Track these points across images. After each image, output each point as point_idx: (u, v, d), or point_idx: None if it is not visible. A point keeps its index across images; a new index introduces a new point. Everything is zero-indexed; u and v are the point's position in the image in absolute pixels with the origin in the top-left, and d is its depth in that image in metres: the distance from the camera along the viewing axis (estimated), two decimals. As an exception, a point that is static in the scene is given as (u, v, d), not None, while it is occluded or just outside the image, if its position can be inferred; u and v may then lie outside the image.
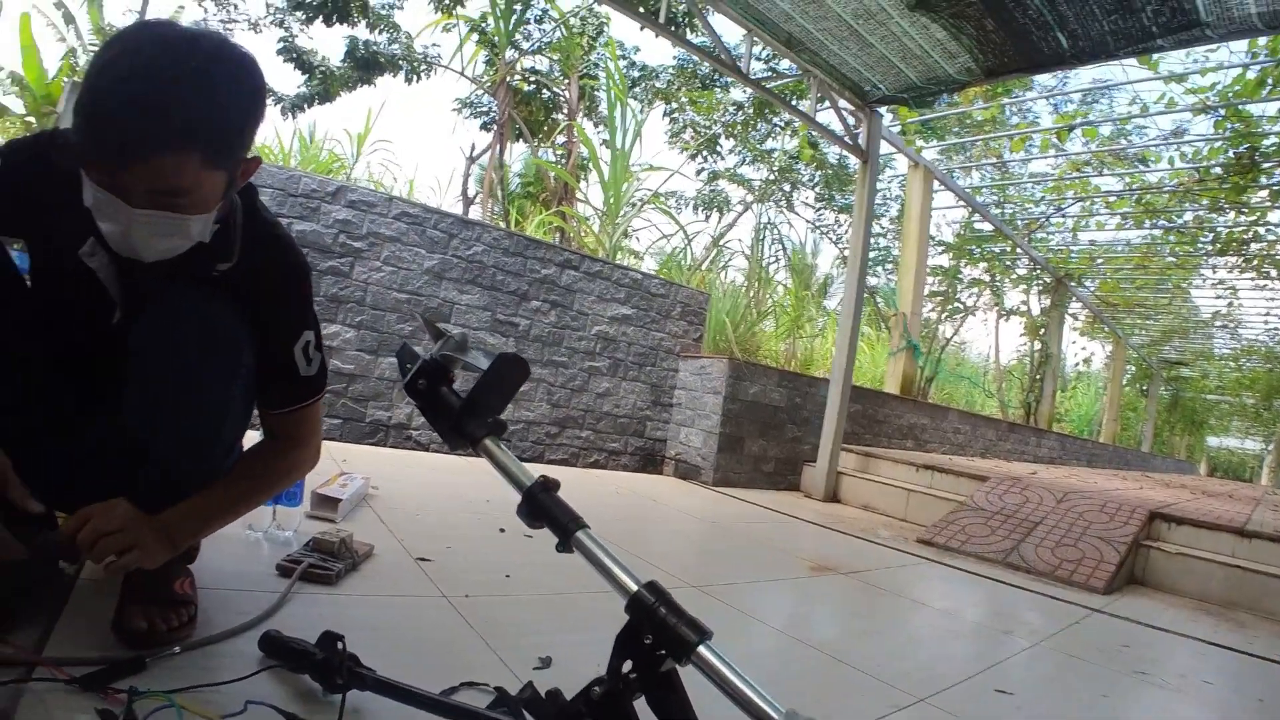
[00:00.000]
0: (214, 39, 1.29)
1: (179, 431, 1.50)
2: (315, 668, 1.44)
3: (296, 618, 1.84)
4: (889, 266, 15.28)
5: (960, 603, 3.62)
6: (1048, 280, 14.66)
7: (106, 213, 1.28)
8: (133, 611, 1.53)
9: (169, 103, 1.21)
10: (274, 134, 11.19)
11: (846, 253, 13.54)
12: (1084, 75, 10.50)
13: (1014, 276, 15.65)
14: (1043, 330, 15.29)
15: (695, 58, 12.48)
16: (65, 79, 10.51)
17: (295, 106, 12.44)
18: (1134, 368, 23.24)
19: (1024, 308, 16.36)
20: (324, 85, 12.33)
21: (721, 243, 12.46)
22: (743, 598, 2.96)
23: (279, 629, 1.59)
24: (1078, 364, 22.16)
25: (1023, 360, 17.39)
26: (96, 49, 1.26)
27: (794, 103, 7.34)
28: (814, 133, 9.99)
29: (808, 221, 14.88)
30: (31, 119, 10.65)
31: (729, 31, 11.38)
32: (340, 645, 1.43)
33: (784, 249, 12.65)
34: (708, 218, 13.88)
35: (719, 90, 13.07)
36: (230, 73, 1.30)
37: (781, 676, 2.19)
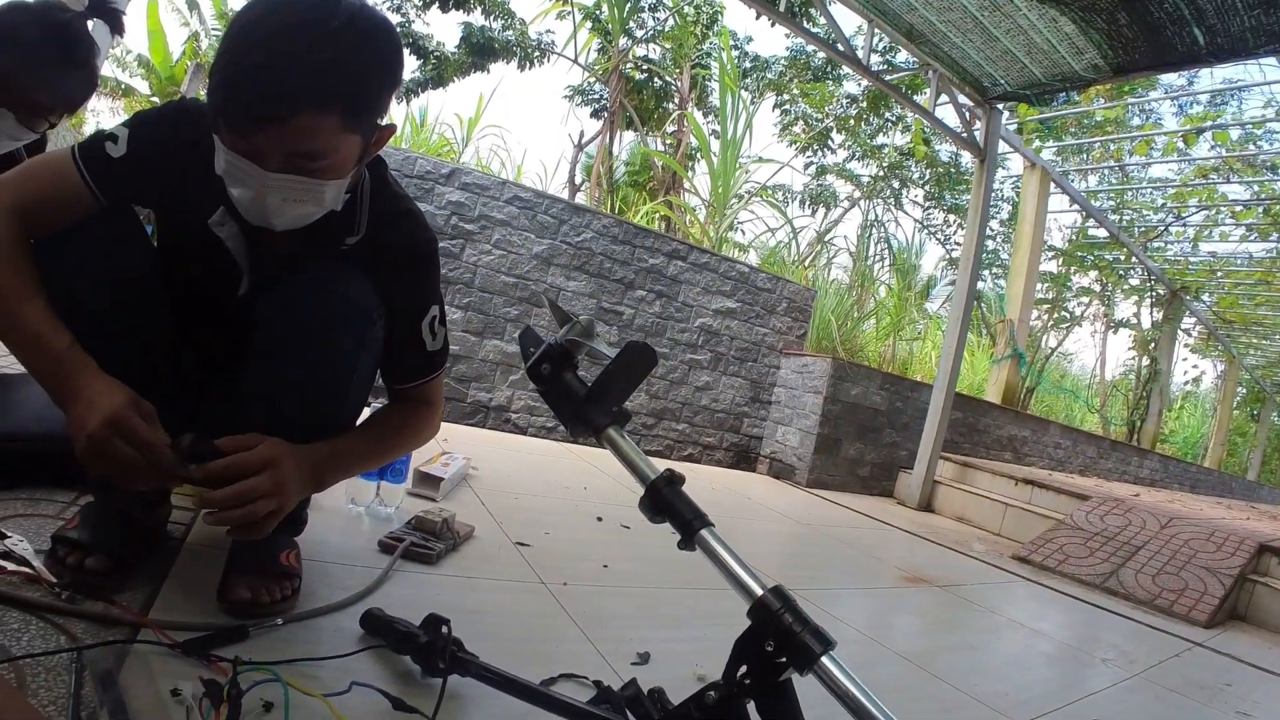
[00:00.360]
0: (353, 2, 1.28)
1: (302, 403, 1.50)
2: (418, 650, 1.42)
3: (395, 596, 1.84)
4: (996, 271, 14.87)
5: (1056, 625, 3.50)
6: (1161, 292, 14.03)
7: (239, 178, 1.27)
8: (237, 581, 1.54)
9: (310, 63, 1.20)
10: (387, 116, 11.45)
11: (954, 254, 13.25)
12: (1215, 75, 9.98)
13: (1126, 287, 15.07)
14: (1153, 345, 14.67)
15: (809, 49, 12.32)
16: (189, 62, 10.92)
17: (409, 91, 12.63)
18: (1245, 390, 22.14)
19: (1134, 320, 15.77)
20: (438, 70, 12.48)
21: (827, 239, 12.30)
22: (835, 603, 2.89)
23: (379, 607, 1.58)
24: (1186, 383, 21.23)
25: (1128, 375, 16.77)
26: (225, 24, 1.24)
27: (910, 97, 7.16)
28: (929, 129, 9.78)
29: (915, 220, 14.59)
30: (156, 99, 11.07)
31: (846, 21, 11.22)
32: (445, 629, 1.41)
33: (889, 248, 12.42)
34: (814, 213, 13.70)
35: (831, 83, 12.86)
36: (370, 35, 1.29)
37: (873, 687, 2.12)
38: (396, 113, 11.85)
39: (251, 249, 1.51)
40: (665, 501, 1.19)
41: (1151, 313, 14.93)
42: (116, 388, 1.24)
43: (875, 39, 6.04)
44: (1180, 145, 10.05)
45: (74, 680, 1.11)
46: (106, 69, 10.84)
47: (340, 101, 1.25)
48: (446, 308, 4.86)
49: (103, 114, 11.45)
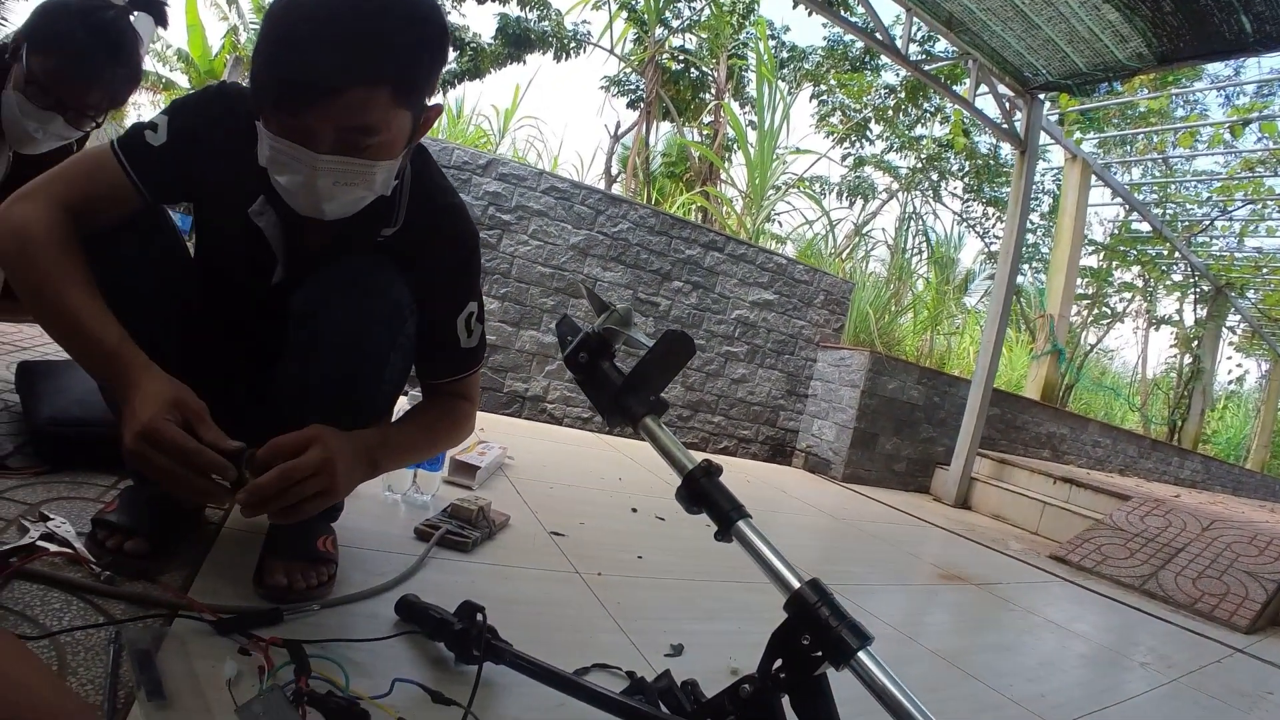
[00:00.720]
0: None
1: (333, 398, 1.48)
2: (453, 637, 1.42)
3: (430, 583, 1.85)
4: (1036, 265, 14.69)
5: (1094, 627, 3.43)
6: (1205, 288, 13.76)
7: (287, 163, 1.25)
8: (274, 566, 1.55)
9: (360, 36, 1.17)
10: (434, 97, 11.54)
11: (993, 247, 13.10)
12: (1263, 64, 9.79)
13: (1169, 283, 14.80)
14: (1196, 343, 14.40)
15: (846, 39, 12.23)
16: (228, 56, 11.03)
17: (446, 83, 12.69)
18: (1291, 390, 21.69)
19: (1177, 317, 15.48)
20: (474, 62, 12.54)
21: (865, 231, 12.22)
22: (869, 599, 2.87)
23: (414, 593, 1.59)
24: (1230, 382, 20.78)
25: (1170, 374, 16.48)
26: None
27: (950, 87, 7.08)
28: (968, 120, 9.66)
29: (954, 213, 14.43)
30: (196, 93, 11.21)
31: (884, 10, 11.12)
32: (480, 617, 1.41)
33: (928, 240, 12.32)
34: (851, 204, 13.61)
35: (870, 73, 12.75)
36: (417, 10, 1.25)
37: (907, 685, 2.10)
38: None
39: (288, 238, 1.50)
40: (703, 492, 1.18)
41: (1195, 309, 14.66)
42: (162, 388, 1.18)
43: (914, 28, 5.98)
44: (1226, 137, 9.82)
45: (112, 659, 1.13)
46: (147, 63, 10.96)
47: (392, 76, 1.22)
48: (485, 298, 4.91)
49: (144, 107, 11.57)
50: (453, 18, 12.41)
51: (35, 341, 3.20)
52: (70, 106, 2.00)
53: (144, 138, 1.38)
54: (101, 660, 1.14)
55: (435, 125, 1.47)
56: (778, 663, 1.09)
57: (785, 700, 1.10)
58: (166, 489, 1.17)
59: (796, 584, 1.09)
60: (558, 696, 1.34)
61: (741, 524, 1.15)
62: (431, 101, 1.39)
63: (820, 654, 1.05)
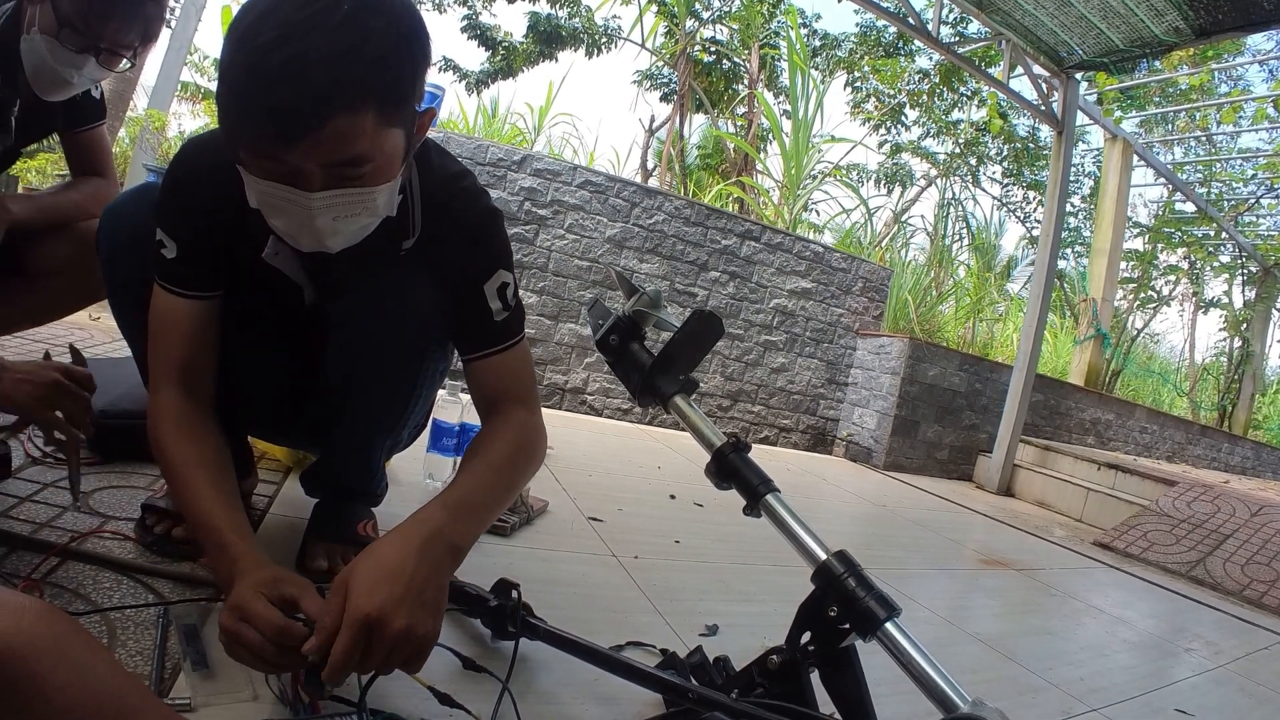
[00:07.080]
0: None
1: (369, 412, 1.53)
2: (489, 614, 1.45)
3: (469, 565, 1.84)
4: (1078, 249, 14.44)
5: (1138, 613, 3.38)
6: (1254, 269, 13.45)
7: (279, 206, 1.15)
8: (316, 549, 1.61)
9: (330, 58, 1.02)
10: (459, 108, 11.52)
11: (1034, 232, 12.90)
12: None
13: (1216, 264, 14.48)
14: (1245, 326, 14.07)
15: (879, 24, 12.09)
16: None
17: (479, 82, 12.73)
18: (1343, 374, 21.10)
19: (1225, 299, 15.13)
20: (507, 61, 12.55)
21: (903, 219, 12.11)
22: (910, 584, 2.86)
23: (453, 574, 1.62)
24: (1283, 365, 20.26)
25: (1219, 358, 16.12)
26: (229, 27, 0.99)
27: (984, 69, 7.01)
28: (1004, 102, 9.53)
29: (994, 198, 14.19)
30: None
31: None
32: (515, 594, 1.43)
33: (968, 227, 12.18)
34: (889, 192, 13.46)
35: (903, 58, 12.61)
36: (387, 14, 1.09)
37: (947, 667, 2.09)
38: (468, 105, 11.96)
39: (307, 267, 1.44)
40: (732, 467, 1.20)
41: (1243, 291, 14.33)
42: (264, 571, 1.12)
43: (945, 10, 5.93)
44: (1271, 112, 9.63)
45: (160, 633, 1.18)
46: (185, 74, 11.07)
47: (374, 95, 1.08)
48: (523, 292, 4.94)
49: (183, 117, 11.63)
50: (483, 17, 12.45)
51: (88, 343, 3.28)
52: (104, 47, 1.87)
53: (164, 258, 1.36)
54: (150, 634, 1.19)
55: (471, 125, 1.43)
56: (806, 635, 1.10)
57: (815, 678, 1.12)
58: (255, 667, 1.06)
59: (823, 555, 1.10)
60: (592, 671, 1.36)
61: (770, 498, 1.17)
62: (422, 106, 1.25)
63: (847, 625, 1.06)
